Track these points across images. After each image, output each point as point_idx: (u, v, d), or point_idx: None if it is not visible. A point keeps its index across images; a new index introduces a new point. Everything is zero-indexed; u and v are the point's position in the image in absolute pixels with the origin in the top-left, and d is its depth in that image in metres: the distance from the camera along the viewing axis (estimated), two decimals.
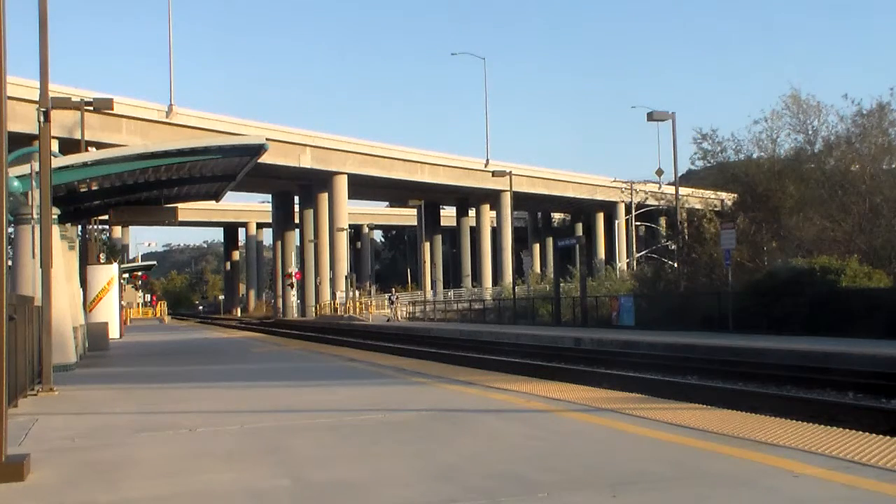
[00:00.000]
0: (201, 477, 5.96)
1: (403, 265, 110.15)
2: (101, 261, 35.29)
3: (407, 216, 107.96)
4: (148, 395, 12.31)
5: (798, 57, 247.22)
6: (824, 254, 27.40)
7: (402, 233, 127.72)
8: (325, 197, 74.63)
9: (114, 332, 28.85)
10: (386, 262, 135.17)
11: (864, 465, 5.52)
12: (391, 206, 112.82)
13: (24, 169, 14.90)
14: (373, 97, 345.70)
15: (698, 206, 38.75)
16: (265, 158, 27.82)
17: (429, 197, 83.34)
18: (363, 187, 79.78)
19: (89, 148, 31.01)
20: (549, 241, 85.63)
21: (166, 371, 16.85)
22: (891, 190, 30.10)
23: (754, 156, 34.85)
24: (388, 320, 54.15)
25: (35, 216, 14.52)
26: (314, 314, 73.59)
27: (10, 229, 16.18)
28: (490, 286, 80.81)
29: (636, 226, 70.86)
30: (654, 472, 5.52)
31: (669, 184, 54.21)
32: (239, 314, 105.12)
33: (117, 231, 75.87)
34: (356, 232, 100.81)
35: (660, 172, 65.47)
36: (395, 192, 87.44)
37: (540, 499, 4.92)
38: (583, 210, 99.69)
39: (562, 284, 41.79)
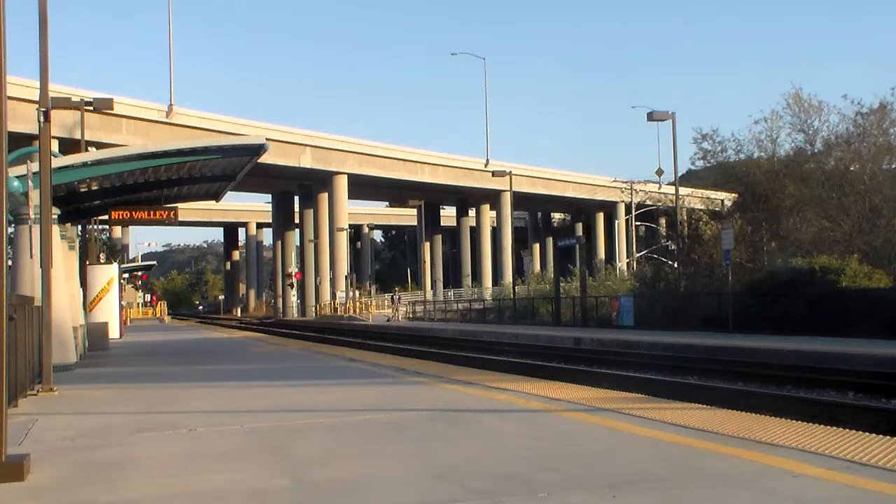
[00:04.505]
0: (201, 477, 5.96)
1: (403, 265, 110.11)
2: (101, 261, 35.28)
3: (407, 216, 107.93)
4: (148, 394, 12.31)
5: (799, 57, 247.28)
6: (824, 254, 27.38)
7: (402, 233, 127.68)
8: (325, 197, 74.62)
9: (114, 332, 28.83)
10: (386, 262, 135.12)
11: (864, 465, 5.51)
12: (391, 206, 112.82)
13: (21, 169, 14.89)
14: (373, 97, 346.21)
15: (698, 206, 38.76)
16: (265, 158, 27.81)
17: (429, 197, 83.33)
18: (363, 187, 79.77)
19: (89, 148, 31.00)
20: (549, 241, 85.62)
21: (166, 371, 16.85)
22: (890, 190, 30.10)
23: (754, 156, 34.86)
24: (388, 320, 54.14)
25: (34, 216, 14.51)
26: (314, 314, 73.58)
27: (10, 229, 16.17)
28: (490, 286, 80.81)
29: (636, 226, 70.86)
30: (654, 472, 5.51)
31: (669, 184, 54.19)
32: (239, 314, 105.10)
33: (117, 231, 75.82)
34: (356, 232, 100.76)
35: (660, 172, 65.51)
36: (395, 192, 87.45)
37: (540, 499, 4.92)
38: (583, 210, 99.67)
39: (562, 284, 41.78)
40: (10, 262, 15.25)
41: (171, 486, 5.66)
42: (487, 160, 79.22)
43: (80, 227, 33.00)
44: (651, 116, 32.28)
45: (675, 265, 35.82)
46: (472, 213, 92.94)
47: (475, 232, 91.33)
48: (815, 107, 33.96)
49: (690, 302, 29.17)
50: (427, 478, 5.62)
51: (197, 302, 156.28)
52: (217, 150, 18.84)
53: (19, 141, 34.83)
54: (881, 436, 6.74)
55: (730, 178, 35.14)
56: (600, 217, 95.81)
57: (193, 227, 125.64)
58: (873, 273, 25.28)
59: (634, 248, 68.78)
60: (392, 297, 61.70)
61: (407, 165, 75.91)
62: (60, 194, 17.61)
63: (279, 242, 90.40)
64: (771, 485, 5.10)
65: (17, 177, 14.79)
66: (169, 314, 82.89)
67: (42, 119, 12.87)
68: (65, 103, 27.69)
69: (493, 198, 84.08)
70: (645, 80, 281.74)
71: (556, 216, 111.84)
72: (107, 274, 31.17)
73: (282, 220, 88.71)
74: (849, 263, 25.10)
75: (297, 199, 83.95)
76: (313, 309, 75.47)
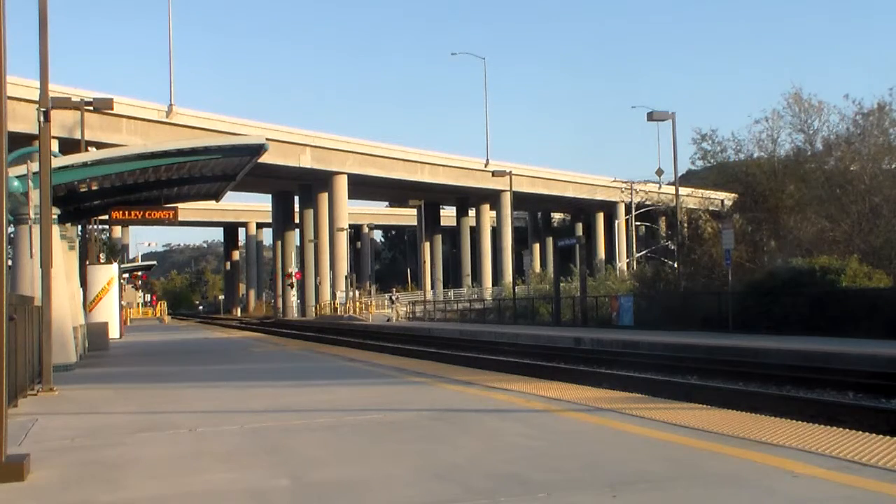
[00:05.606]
0: (201, 477, 5.96)
1: (403, 265, 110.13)
2: (101, 261, 35.28)
3: (407, 216, 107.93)
4: (148, 394, 12.31)
5: (799, 57, 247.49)
6: (824, 254, 27.38)
7: (402, 233, 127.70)
8: (325, 197, 74.61)
9: (114, 332, 28.84)
10: (386, 262, 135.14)
11: (864, 465, 5.51)
12: (391, 206, 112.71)
13: (21, 169, 14.89)
14: (373, 97, 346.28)
15: (698, 207, 38.75)
16: (265, 158, 27.77)
17: (429, 197, 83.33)
18: (363, 187, 79.78)
19: (89, 148, 30.96)
20: (549, 241, 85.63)
21: (166, 371, 16.85)
22: (891, 190, 30.08)
23: (754, 156, 34.84)
24: (388, 320, 54.12)
25: (34, 216, 14.51)
26: (314, 314, 73.57)
27: (10, 229, 16.17)
28: (490, 286, 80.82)
29: (636, 226, 70.86)
30: (654, 472, 5.51)
31: (669, 184, 54.21)
32: (239, 314, 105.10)
33: (117, 231, 75.81)
34: (356, 232, 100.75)
35: (660, 172, 65.54)
36: (395, 192, 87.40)
37: (540, 499, 4.92)
38: (583, 210, 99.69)
39: (562, 284, 41.78)
40: (10, 262, 15.26)
41: (171, 486, 5.66)
42: (487, 160, 79.22)
43: (80, 227, 32.99)
44: (651, 116, 32.26)
45: (675, 265, 35.82)
46: (472, 213, 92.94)
47: (475, 232, 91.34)
48: (816, 107, 33.93)
49: (690, 302, 29.16)
50: (427, 478, 5.62)
51: (197, 302, 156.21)
52: (217, 150, 18.82)
53: (19, 141, 34.82)
54: (881, 436, 6.74)
55: (730, 178, 35.10)
56: (600, 217, 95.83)
57: (193, 227, 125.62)
58: (873, 273, 25.28)
59: (634, 248, 68.78)
60: (390, 297, 61.68)
61: (407, 165, 75.90)
62: (60, 194, 17.61)
63: (279, 242, 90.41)
64: (771, 485, 5.10)
65: (17, 177, 14.80)
66: (169, 314, 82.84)
67: (42, 119, 12.87)
68: (65, 103, 27.68)
69: (493, 198, 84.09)
70: (645, 80, 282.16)
71: (556, 216, 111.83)
72: (107, 274, 31.19)
73: (282, 220, 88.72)
74: (849, 263, 25.09)
75: (297, 199, 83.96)
76: (313, 309, 75.47)
